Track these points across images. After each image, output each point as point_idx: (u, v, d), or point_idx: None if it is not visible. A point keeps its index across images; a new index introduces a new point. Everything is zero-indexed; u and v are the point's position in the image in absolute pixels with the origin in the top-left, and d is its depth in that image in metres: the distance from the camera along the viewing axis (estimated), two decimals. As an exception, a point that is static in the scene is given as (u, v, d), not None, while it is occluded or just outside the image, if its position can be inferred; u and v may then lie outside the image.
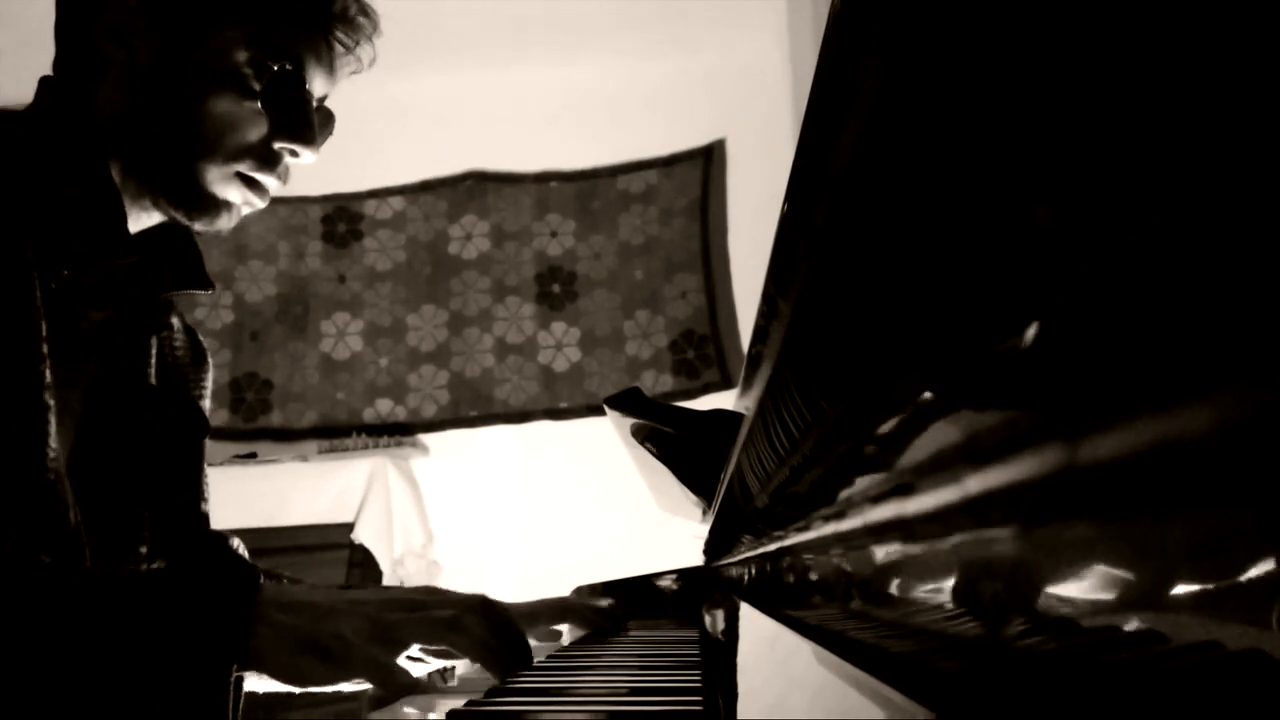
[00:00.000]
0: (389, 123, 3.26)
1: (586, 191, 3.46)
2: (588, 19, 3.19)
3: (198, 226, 0.86)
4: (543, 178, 3.49)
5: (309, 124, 0.86)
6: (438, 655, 0.81)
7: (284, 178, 0.87)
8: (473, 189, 3.50)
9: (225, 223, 0.86)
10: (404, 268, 3.48)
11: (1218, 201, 0.12)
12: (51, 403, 0.73)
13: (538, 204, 3.48)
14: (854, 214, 0.25)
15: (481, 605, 0.76)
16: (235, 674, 0.64)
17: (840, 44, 0.22)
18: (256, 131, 0.83)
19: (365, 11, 0.89)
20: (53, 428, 0.74)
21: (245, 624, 0.64)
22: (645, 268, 3.36)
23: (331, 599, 0.70)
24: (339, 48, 0.88)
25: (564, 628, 1.09)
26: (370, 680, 0.67)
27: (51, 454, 0.73)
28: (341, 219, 3.51)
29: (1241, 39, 0.11)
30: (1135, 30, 0.13)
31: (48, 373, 0.73)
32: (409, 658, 0.76)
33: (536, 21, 3.18)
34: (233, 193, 0.85)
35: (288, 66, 0.83)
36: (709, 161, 3.38)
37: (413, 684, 0.69)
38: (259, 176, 0.85)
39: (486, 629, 0.75)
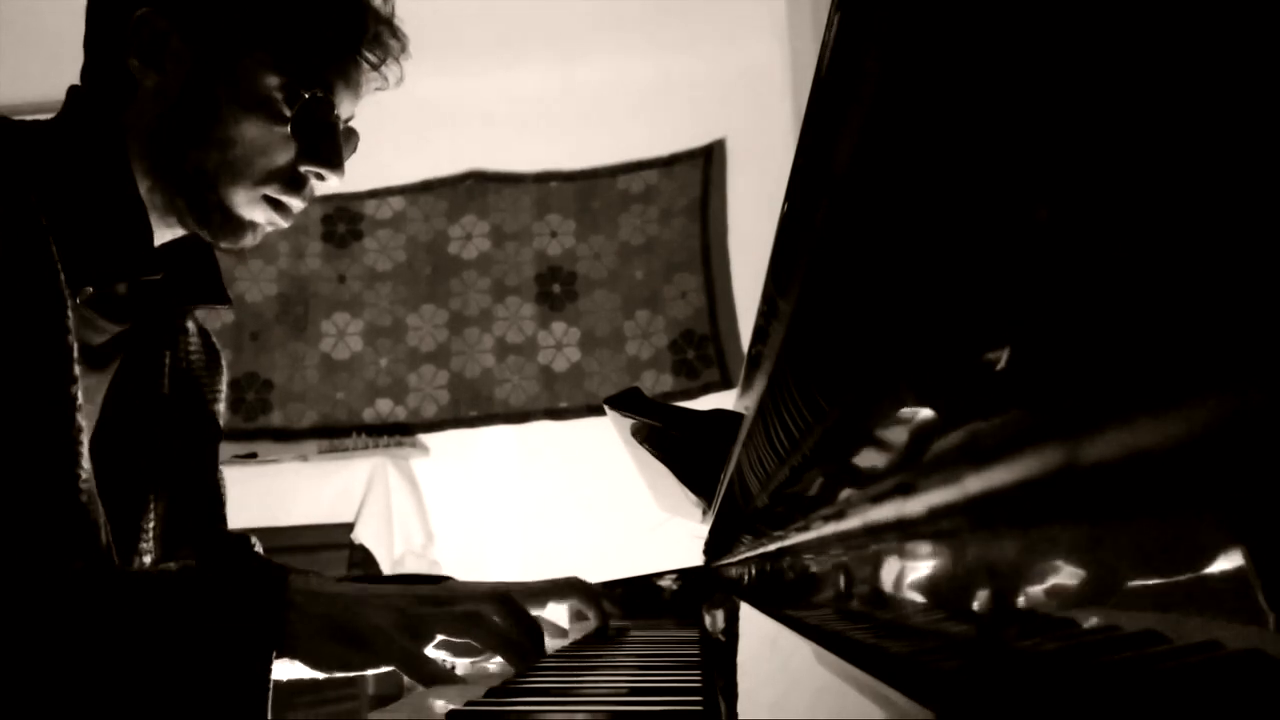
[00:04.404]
0: (389, 123, 3.24)
1: (586, 191, 3.46)
2: (587, 19, 3.19)
3: (222, 245, 0.87)
4: (543, 178, 3.49)
5: (336, 149, 0.87)
6: (461, 650, 0.84)
7: (308, 198, 0.88)
8: (473, 189, 3.50)
9: (249, 242, 0.87)
10: (404, 268, 3.48)
11: (1218, 205, 0.12)
12: (84, 424, 0.74)
13: (538, 204, 3.48)
14: (854, 214, 0.25)
15: (500, 598, 0.79)
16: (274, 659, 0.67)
17: (840, 44, 0.22)
18: (285, 156, 0.84)
19: (395, 34, 0.90)
20: (84, 449, 0.75)
21: (280, 611, 0.67)
22: (645, 268, 3.36)
23: (358, 591, 0.74)
24: (367, 68, 0.89)
25: (567, 623, 1.10)
26: (401, 669, 0.71)
27: (83, 475, 0.74)
28: (341, 219, 3.51)
29: (1240, 38, 0.11)
30: (1135, 29, 0.13)
31: (80, 394, 0.74)
32: (438, 649, 0.80)
33: (536, 21, 3.18)
34: (258, 214, 0.86)
35: (319, 94, 0.84)
36: (709, 161, 3.38)
37: (441, 675, 0.72)
38: (285, 199, 0.86)
39: (507, 622, 0.78)
